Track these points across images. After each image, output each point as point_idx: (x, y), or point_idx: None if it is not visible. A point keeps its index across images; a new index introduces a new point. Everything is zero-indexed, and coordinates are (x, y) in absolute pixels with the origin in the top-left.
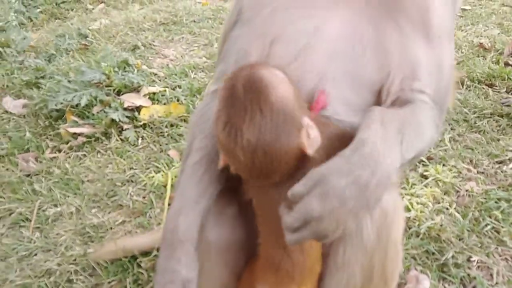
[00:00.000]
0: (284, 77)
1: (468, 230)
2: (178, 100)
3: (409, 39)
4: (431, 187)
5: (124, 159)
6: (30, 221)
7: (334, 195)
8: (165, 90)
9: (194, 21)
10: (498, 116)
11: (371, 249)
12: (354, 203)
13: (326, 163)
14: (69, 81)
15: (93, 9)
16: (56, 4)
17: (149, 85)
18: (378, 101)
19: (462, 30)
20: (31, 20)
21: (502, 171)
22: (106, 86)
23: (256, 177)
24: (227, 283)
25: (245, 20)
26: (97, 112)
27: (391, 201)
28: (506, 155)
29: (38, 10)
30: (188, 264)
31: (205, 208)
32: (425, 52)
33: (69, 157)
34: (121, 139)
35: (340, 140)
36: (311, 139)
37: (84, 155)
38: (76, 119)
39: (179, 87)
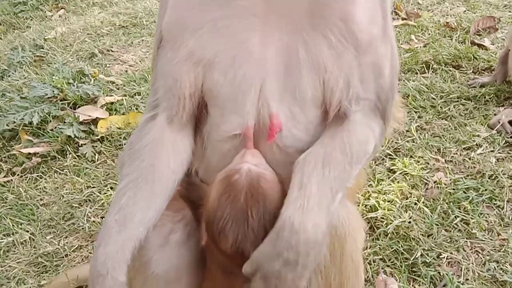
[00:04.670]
0: (275, 178)
1: (437, 225)
2: (137, 108)
3: (339, 51)
4: (398, 182)
5: (81, 178)
6: None
7: (273, 276)
8: (123, 99)
9: (154, 22)
10: (465, 99)
11: (326, 268)
12: (292, 276)
13: (258, 247)
14: (22, 98)
15: (52, 16)
16: (14, 14)
17: (107, 95)
18: (324, 114)
19: (428, 10)
20: None
21: (470, 158)
22: (61, 100)
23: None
24: None
25: (168, 47)
26: (52, 129)
27: (341, 213)
28: (474, 141)
29: None
30: None
31: (130, 236)
32: (357, 61)
33: (24, 180)
34: (77, 156)
35: None
36: None
37: (40, 176)
38: (30, 138)
39: (138, 94)
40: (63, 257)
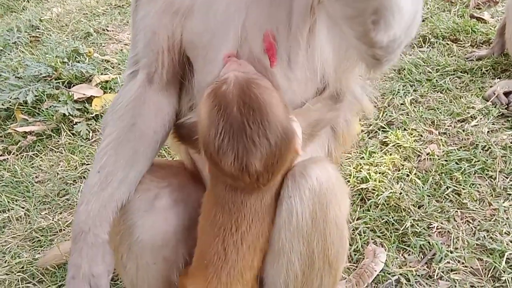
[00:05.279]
0: (270, 85)
1: (428, 196)
2: None
3: None
4: (391, 154)
5: (76, 155)
6: None
7: None
8: (117, 78)
9: None
10: (461, 72)
11: (308, 234)
12: None
13: None
14: (17, 77)
15: None
16: None
17: (101, 74)
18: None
19: None
20: None
21: (463, 130)
22: (55, 79)
23: (245, 183)
24: (170, 278)
25: (145, 0)
26: (47, 108)
27: (323, 179)
28: (468, 113)
29: None
30: (92, 257)
31: (112, 194)
32: None
33: (20, 158)
34: (72, 134)
35: None
36: (299, 137)
37: (36, 154)
38: (25, 117)
39: None
40: (57, 232)
